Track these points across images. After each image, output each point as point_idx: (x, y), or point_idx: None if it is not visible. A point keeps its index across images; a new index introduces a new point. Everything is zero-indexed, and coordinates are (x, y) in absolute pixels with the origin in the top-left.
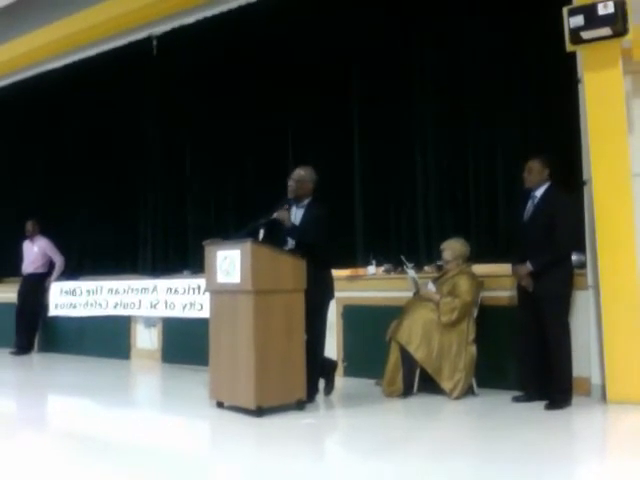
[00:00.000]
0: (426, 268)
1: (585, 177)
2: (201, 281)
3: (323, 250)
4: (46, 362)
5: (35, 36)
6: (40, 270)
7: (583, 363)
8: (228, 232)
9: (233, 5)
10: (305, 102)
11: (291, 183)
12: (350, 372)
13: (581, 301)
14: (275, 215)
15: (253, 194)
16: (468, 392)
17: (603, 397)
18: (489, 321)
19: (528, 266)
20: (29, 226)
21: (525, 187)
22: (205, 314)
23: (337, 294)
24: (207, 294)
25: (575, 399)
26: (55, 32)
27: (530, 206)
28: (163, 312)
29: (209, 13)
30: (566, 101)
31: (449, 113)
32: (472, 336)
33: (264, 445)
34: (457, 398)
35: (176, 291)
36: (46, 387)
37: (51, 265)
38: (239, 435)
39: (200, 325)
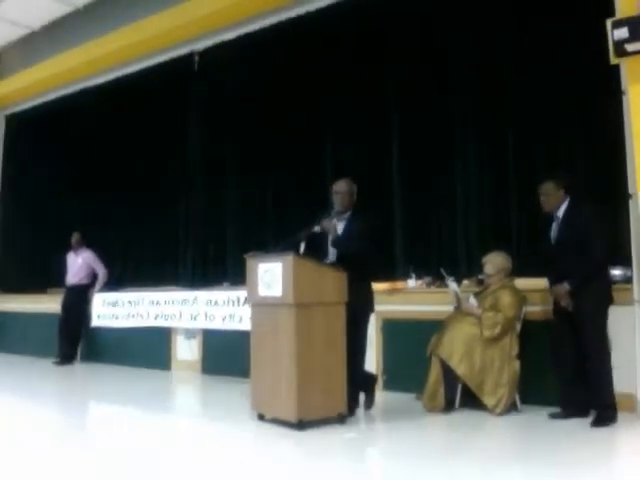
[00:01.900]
0: (465, 282)
1: (630, 190)
2: (241, 293)
3: (366, 263)
4: (89, 372)
5: (78, 52)
6: (84, 281)
7: (628, 379)
8: (266, 244)
9: (273, 21)
10: (343, 112)
11: (338, 196)
12: (390, 386)
13: (626, 316)
14: (320, 226)
15: (291, 205)
16: (511, 408)
17: None
18: (533, 336)
19: (566, 286)
20: (74, 238)
21: (544, 211)
22: (245, 326)
23: (377, 307)
24: (247, 306)
25: (620, 415)
26: (98, 49)
27: (555, 227)
28: (203, 324)
29: (250, 29)
30: (610, 113)
31: (490, 125)
32: (515, 351)
33: (307, 459)
34: (500, 414)
35: (216, 303)
36: (89, 397)
37: (94, 277)
38: (281, 449)
39: (240, 337)
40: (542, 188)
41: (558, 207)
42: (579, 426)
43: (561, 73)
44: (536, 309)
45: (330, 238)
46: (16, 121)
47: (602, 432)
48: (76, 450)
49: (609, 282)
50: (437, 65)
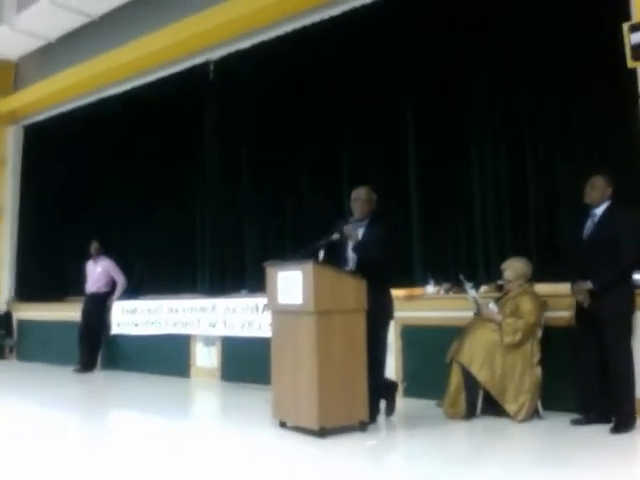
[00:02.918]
0: (484, 287)
1: None
2: (259, 300)
3: (385, 269)
4: (109, 379)
5: (94, 63)
6: (103, 290)
7: None
8: (285, 251)
9: (288, 29)
10: (359, 117)
11: (358, 203)
12: (410, 393)
13: None
14: (341, 233)
15: (309, 212)
16: (533, 415)
17: None
18: (554, 342)
19: (588, 284)
20: (93, 247)
21: (585, 202)
22: (263, 333)
23: (396, 314)
24: (265, 313)
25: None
26: (114, 59)
27: (590, 224)
28: (222, 331)
29: (265, 37)
30: (628, 117)
31: (508, 128)
32: (537, 357)
33: (328, 466)
34: (522, 421)
35: (234, 310)
36: (110, 404)
37: (113, 285)
38: (303, 456)
39: (259, 344)
40: (592, 179)
41: (599, 204)
42: (600, 432)
43: (578, 77)
44: (557, 315)
45: (351, 244)
46: (34, 131)
47: (622, 438)
48: (96, 456)
49: (632, 287)
50: (454, 69)
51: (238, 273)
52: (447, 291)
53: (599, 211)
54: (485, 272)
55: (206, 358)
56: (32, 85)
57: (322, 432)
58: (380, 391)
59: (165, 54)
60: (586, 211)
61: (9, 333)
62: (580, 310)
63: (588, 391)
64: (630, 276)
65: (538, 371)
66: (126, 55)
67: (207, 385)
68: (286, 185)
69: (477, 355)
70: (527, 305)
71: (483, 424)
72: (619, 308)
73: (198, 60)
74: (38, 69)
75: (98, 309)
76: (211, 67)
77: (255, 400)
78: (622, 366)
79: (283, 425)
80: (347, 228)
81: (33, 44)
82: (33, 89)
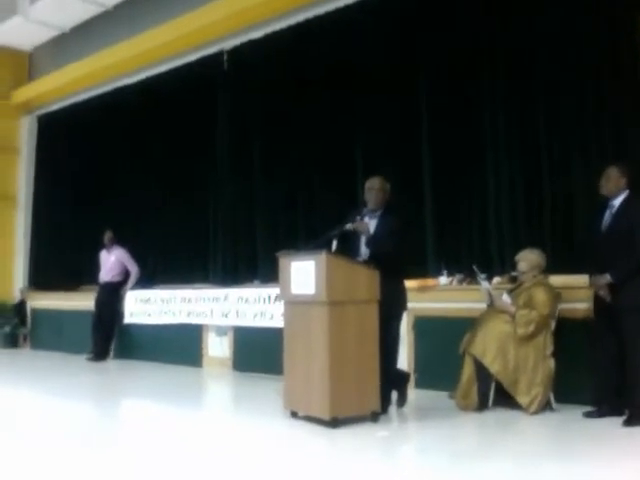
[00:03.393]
0: (498, 279)
1: None
2: (271, 290)
3: (398, 261)
4: (122, 368)
5: (108, 53)
6: (116, 279)
7: None
8: (297, 241)
9: (300, 19)
10: (372, 109)
11: (372, 193)
12: (422, 384)
13: None
14: (353, 227)
15: (322, 203)
16: (546, 407)
17: None
18: (567, 334)
19: (607, 277)
20: (106, 236)
21: (600, 194)
22: (275, 323)
23: (409, 305)
24: (277, 303)
25: None
26: (128, 49)
27: (608, 216)
28: (234, 321)
29: (277, 27)
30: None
31: (522, 119)
32: (550, 350)
33: (340, 457)
34: (534, 413)
35: (247, 300)
36: (122, 393)
37: (127, 274)
38: (314, 446)
39: (271, 334)
40: (606, 171)
41: (616, 196)
42: (613, 425)
43: (592, 71)
44: (571, 306)
45: (364, 238)
46: (48, 121)
47: (635, 431)
48: (108, 445)
49: None
50: (468, 62)
51: (250, 263)
52: (460, 282)
53: (617, 202)
54: (499, 263)
55: (218, 348)
56: (46, 75)
57: (334, 422)
58: (392, 382)
59: (179, 44)
60: (605, 203)
61: (23, 322)
62: (599, 303)
63: (605, 384)
64: None
65: (551, 363)
66: (140, 45)
67: (219, 375)
68: (298, 176)
69: (490, 347)
70: (541, 296)
71: (495, 416)
72: (637, 301)
73: (212, 50)
74: (52, 59)
75: (111, 298)
76: (225, 57)
77: (267, 390)
78: (637, 359)
79: (294, 415)
80: (357, 224)
81: (47, 34)
82: (47, 79)
